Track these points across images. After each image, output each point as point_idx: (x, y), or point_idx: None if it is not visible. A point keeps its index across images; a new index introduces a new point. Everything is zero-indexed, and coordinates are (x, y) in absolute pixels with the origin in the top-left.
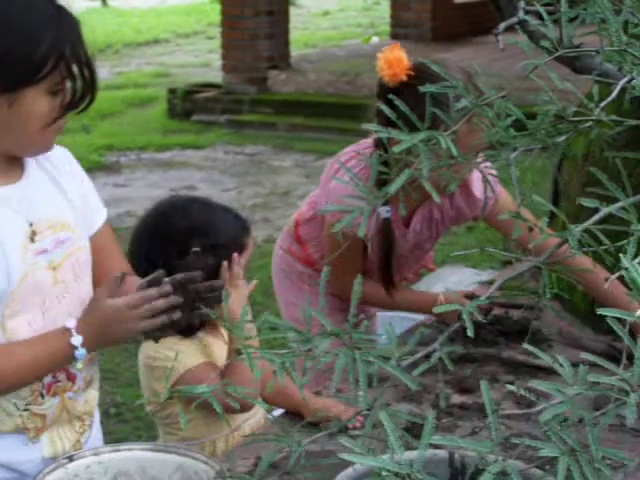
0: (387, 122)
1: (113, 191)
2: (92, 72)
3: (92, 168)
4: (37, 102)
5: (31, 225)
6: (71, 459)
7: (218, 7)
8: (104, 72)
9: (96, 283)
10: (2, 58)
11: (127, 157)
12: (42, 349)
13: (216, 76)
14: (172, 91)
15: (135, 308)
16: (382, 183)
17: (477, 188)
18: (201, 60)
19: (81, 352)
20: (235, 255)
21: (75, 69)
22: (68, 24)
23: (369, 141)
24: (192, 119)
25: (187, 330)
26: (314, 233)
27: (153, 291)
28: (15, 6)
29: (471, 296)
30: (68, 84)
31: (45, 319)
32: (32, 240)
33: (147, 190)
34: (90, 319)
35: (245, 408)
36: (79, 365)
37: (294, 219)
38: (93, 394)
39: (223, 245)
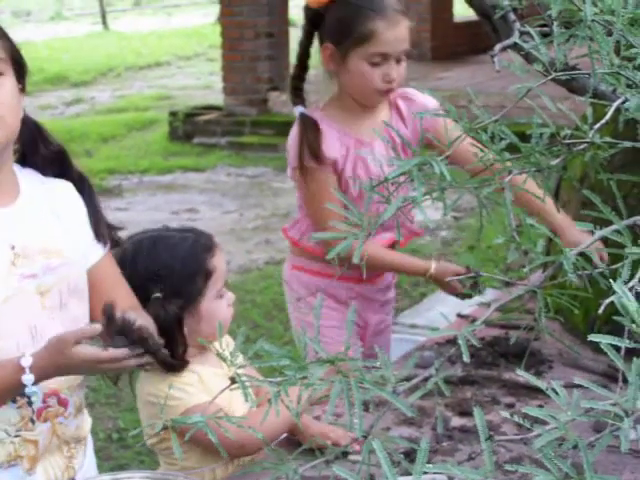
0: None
1: (115, 215)
2: None
3: None
4: None
5: (13, 248)
6: None
7: (219, 29)
8: (105, 96)
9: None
10: None
11: (129, 180)
12: None
13: (217, 98)
14: (173, 114)
15: (103, 364)
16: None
17: (418, 97)
18: (202, 82)
19: (28, 377)
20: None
21: None
22: None
23: None
24: (193, 142)
25: (178, 365)
26: (302, 227)
27: (124, 352)
28: None
29: (466, 272)
30: None
31: (35, 343)
32: (13, 264)
33: (149, 213)
34: (50, 360)
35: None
36: (33, 398)
37: (282, 230)
38: (86, 420)
39: (180, 288)
